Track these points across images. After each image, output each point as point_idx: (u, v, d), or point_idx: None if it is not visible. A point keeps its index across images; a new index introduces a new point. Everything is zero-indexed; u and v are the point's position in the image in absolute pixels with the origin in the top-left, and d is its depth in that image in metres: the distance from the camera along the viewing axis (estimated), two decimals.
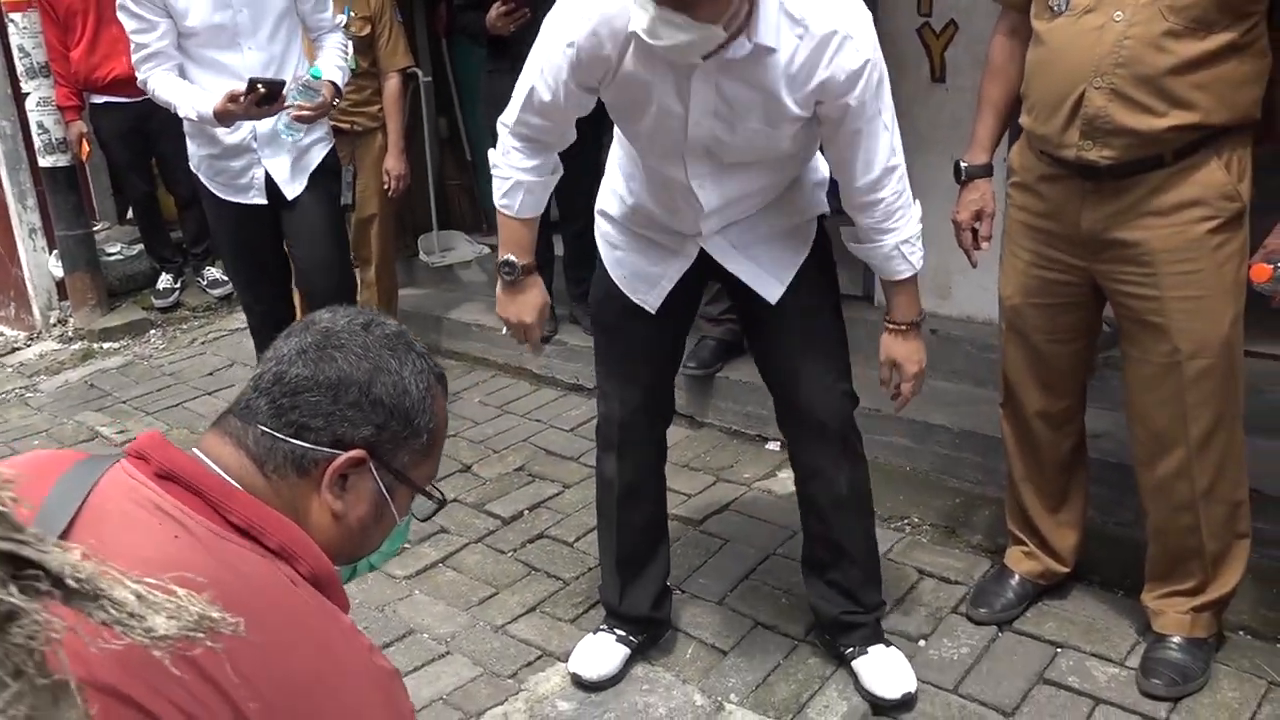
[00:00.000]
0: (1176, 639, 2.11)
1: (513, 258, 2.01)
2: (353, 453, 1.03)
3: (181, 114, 2.83)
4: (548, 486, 3.12)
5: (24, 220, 4.86)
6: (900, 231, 1.92)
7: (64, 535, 0.89)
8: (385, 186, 3.83)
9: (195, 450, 1.02)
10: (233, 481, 0.99)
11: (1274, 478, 2.49)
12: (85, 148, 4.61)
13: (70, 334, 4.84)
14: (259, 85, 2.68)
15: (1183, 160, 1.84)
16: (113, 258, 5.02)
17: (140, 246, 5.09)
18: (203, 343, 4.70)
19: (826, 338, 2.10)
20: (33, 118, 4.55)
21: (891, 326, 2.04)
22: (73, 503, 0.92)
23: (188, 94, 2.80)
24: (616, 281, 2.10)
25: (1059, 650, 2.23)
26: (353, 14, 3.59)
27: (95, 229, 4.99)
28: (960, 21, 3.01)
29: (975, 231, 2.18)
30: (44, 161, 4.62)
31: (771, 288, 2.02)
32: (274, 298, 3.23)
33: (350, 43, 3.20)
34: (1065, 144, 1.88)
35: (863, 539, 2.19)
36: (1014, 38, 2.02)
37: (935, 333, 3.20)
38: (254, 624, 0.80)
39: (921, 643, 2.30)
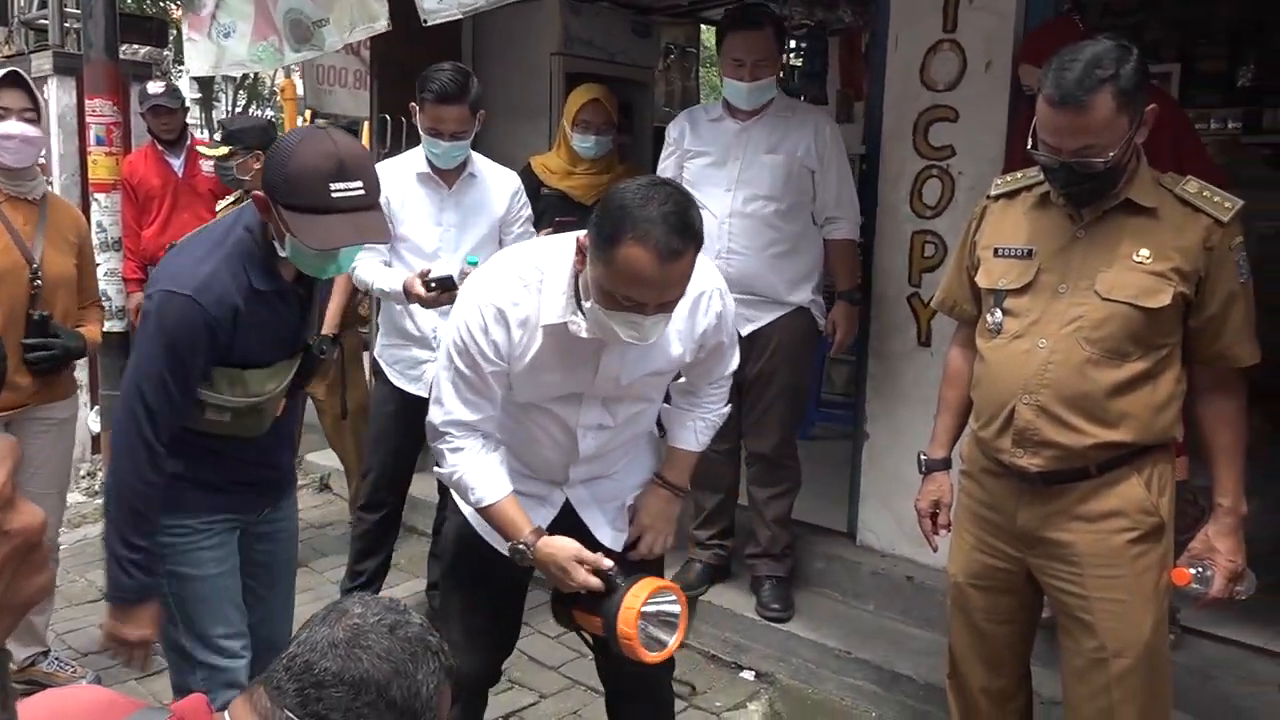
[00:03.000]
0: None
1: (519, 539, 1.95)
2: None
3: (375, 289, 3.18)
4: (524, 695, 3.20)
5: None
6: (707, 416, 2.20)
7: None
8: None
9: (229, 717, 1.18)
10: None
11: None
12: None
13: (98, 488, 5.05)
14: (431, 283, 3.03)
15: (1106, 473, 2.02)
16: None
17: None
18: None
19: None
20: (100, 287, 4.92)
21: (659, 483, 2.19)
22: None
23: (385, 275, 3.16)
24: (480, 533, 2.11)
25: None
26: None
27: None
28: None
29: (935, 518, 2.35)
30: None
31: (610, 536, 2.15)
32: (403, 473, 3.51)
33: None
34: (1001, 449, 2.07)
35: None
36: (967, 348, 2.24)
37: (911, 580, 3.33)
38: None
39: None
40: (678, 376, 2.17)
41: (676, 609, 1.91)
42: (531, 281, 1.90)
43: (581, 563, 1.91)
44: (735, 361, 2.19)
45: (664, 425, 2.24)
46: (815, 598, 3.50)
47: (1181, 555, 2.05)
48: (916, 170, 3.30)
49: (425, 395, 3.32)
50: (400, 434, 3.43)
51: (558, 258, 1.91)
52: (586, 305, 1.82)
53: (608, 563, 1.92)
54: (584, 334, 1.86)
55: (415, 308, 3.19)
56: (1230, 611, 2.97)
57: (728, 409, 2.24)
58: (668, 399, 2.23)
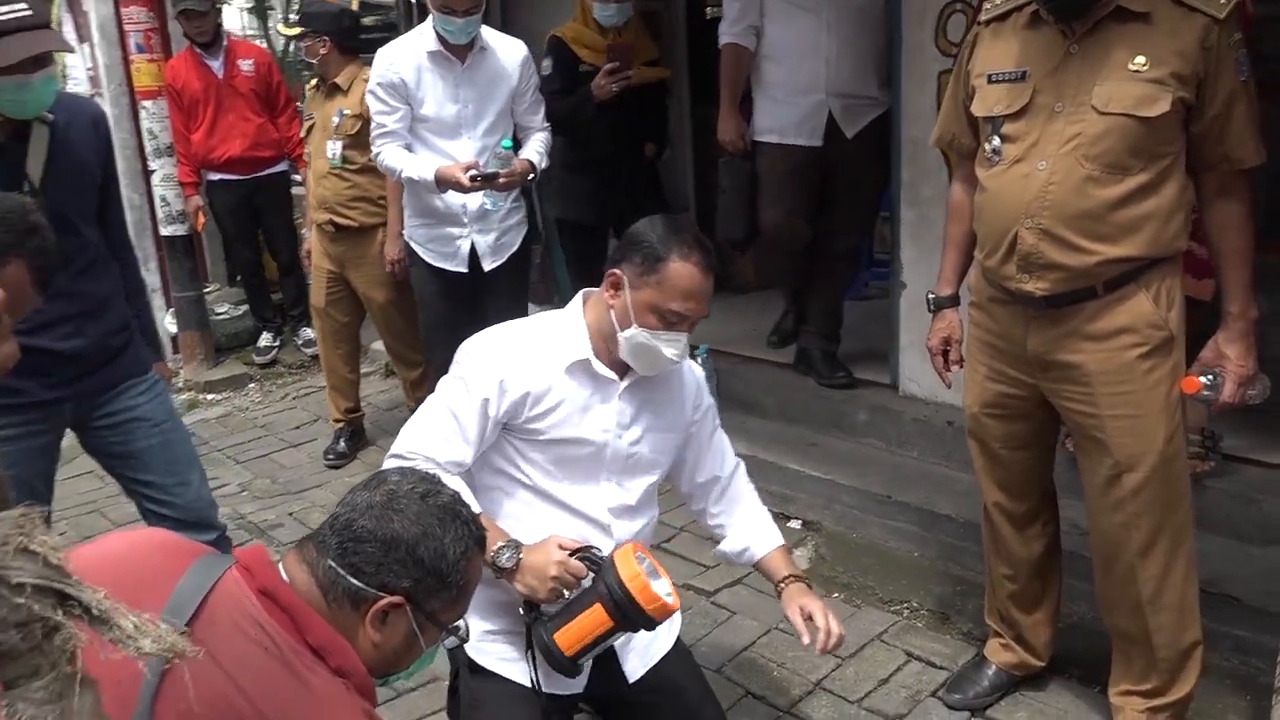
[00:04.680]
0: None
1: (500, 544, 1.82)
2: (393, 598, 1.32)
3: (404, 176, 3.30)
4: None
5: (146, 282, 5.40)
6: (763, 510, 2.16)
7: (189, 624, 1.23)
8: (390, 273, 3.95)
9: (281, 568, 1.34)
10: (310, 607, 1.30)
11: (1257, 586, 2.57)
12: (200, 219, 5.14)
13: (180, 385, 5.33)
14: (478, 176, 3.15)
15: (1112, 292, 2.00)
16: (220, 317, 5.54)
17: (245, 307, 5.59)
18: (294, 398, 5.13)
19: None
20: (157, 192, 5.10)
21: (788, 582, 2.04)
22: (196, 597, 1.26)
23: (413, 162, 3.27)
24: (499, 671, 1.98)
25: None
26: (346, 113, 3.93)
27: (206, 291, 5.51)
28: None
29: (946, 355, 2.36)
30: (165, 230, 5.16)
31: (636, 668, 2.04)
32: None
33: (547, 140, 3.48)
34: (1006, 276, 2.06)
35: None
36: (968, 183, 2.21)
37: (951, 424, 3.35)
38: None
39: None
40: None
41: (648, 560, 1.84)
42: (539, 339, 1.95)
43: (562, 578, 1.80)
44: (731, 449, 2.18)
45: (739, 544, 2.13)
46: (859, 448, 3.56)
47: (1193, 365, 2.04)
48: (940, 6, 3.18)
49: (464, 270, 3.42)
50: (450, 312, 3.51)
51: (556, 318, 2.01)
52: (626, 334, 1.88)
53: (582, 541, 1.86)
54: (605, 372, 1.92)
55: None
56: (1274, 436, 2.97)
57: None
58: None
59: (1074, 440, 2.19)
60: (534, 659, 1.88)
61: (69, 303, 2.22)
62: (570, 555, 1.80)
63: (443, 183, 3.22)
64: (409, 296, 4.13)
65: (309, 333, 5.47)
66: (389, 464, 1.87)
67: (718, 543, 2.20)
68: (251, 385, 5.31)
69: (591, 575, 1.80)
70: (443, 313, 3.54)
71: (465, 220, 3.38)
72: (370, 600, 1.32)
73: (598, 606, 1.76)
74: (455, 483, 1.82)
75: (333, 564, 1.33)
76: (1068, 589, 2.60)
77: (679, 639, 2.18)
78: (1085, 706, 2.43)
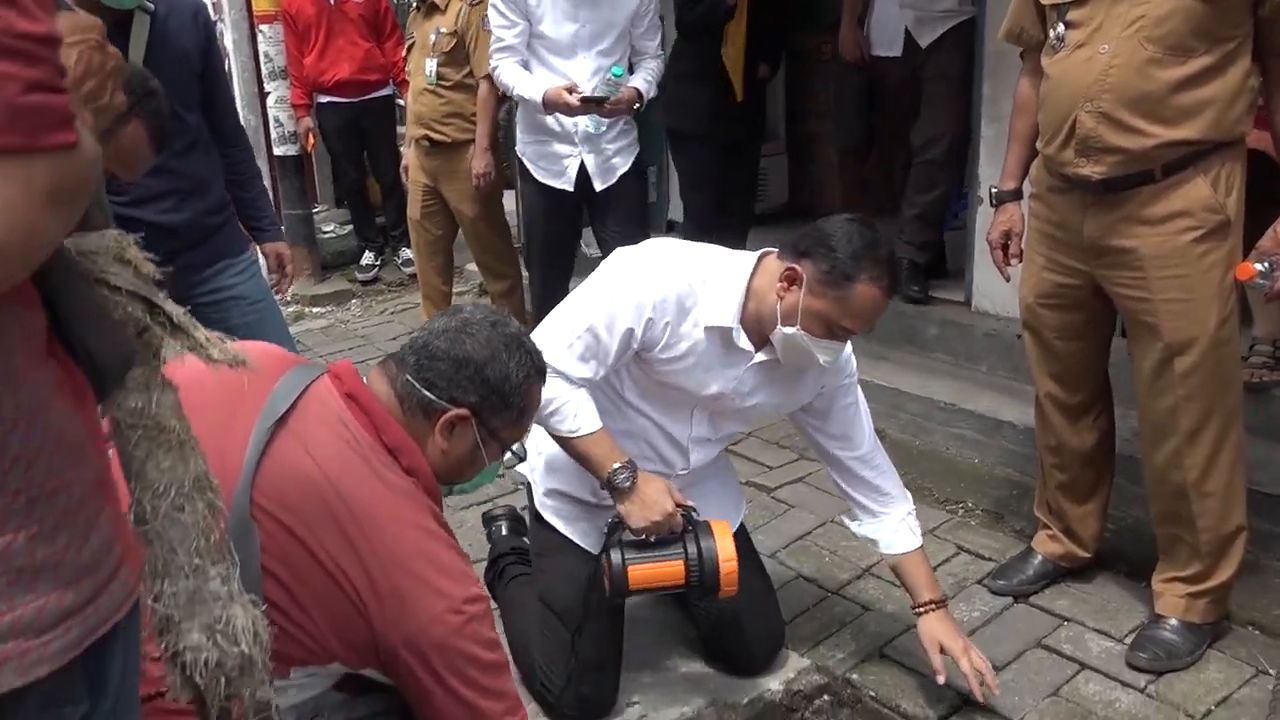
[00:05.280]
0: (1173, 620, 2.26)
1: (618, 464, 1.90)
2: (460, 410, 1.50)
3: (515, 94, 3.43)
4: None
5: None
6: (901, 504, 2.16)
7: (282, 420, 1.43)
8: (476, 186, 4.10)
9: (367, 379, 1.53)
10: (388, 412, 1.48)
11: None
12: (311, 140, 5.42)
13: (288, 299, 5.64)
14: (585, 99, 3.27)
15: (1170, 176, 2.03)
16: (327, 236, 5.84)
17: (350, 227, 5.88)
18: (392, 313, 5.39)
19: (764, 586, 2.28)
20: (271, 113, 5.39)
21: (928, 610, 2.08)
22: (292, 395, 1.47)
23: (525, 81, 3.38)
24: (559, 528, 2.15)
25: (1064, 623, 2.42)
26: (443, 31, 4.06)
27: (314, 211, 5.81)
28: None
29: (1006, 249, 2.41)
30: (278, 150, 5.46)
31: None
32: (556, 280, 3.67)
33: (659, 69, 3.56)
34: (1065, 161, 2.10)
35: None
36: (1034, 76, 2.25)
37: (1020, 337, 3.36)
38: (385, 513, 1.39)
39: None
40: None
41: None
42: (698, 275, 1.94)
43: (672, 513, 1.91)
44: (872, 426, 2.19)
45: (878, 543, 2.17)
46: (928, 361, 3.61)
47: (1250, 253, 2.05)
48: None
49: (570, 189, 3.52)
50: (553, 231, 3.63)
51: (725, 265, 1.97)
52: (787, 331, 1.88)
53: (684, 500, 1.95)
54: (745, 345, 1.94)
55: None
56: None
57: (909, 502, 2.20)
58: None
59: (1126, 328, 2.22)
60: (600, 569, 1.94)
61: (170, 179, 2.42)
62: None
63: (550, 105, 3.31)
64: (498, 211, 4.31)
65: (408, 252, 5.70)
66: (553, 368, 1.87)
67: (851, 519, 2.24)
68: (354, 301, 5.60)
69: (685, 531, 1.90)
70: (546, 231, 3.64)
71: (575, 140, 3.46)
72: (440, 411, 1.49)
73: (680, 564, 1.88)
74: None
75: (409, 378, 1.50)
76: (1122, 491, 2.64)
77: (741, 523, 2.31)
78: (1129, 598, 2.48)
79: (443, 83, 4.11)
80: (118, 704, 0.84)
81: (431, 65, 4.12)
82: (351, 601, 1.38)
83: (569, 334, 1.92)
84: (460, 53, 4.09)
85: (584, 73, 3.36)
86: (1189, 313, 2.06)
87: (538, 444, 2.17)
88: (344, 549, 1.38)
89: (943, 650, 2.07)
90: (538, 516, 2.24)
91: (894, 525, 2.16)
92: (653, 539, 1.92)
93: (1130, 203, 2.07)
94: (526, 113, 3.56)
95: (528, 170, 3.59)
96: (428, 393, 1.49)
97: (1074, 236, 2.18)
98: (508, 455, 1.66)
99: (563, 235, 3.66)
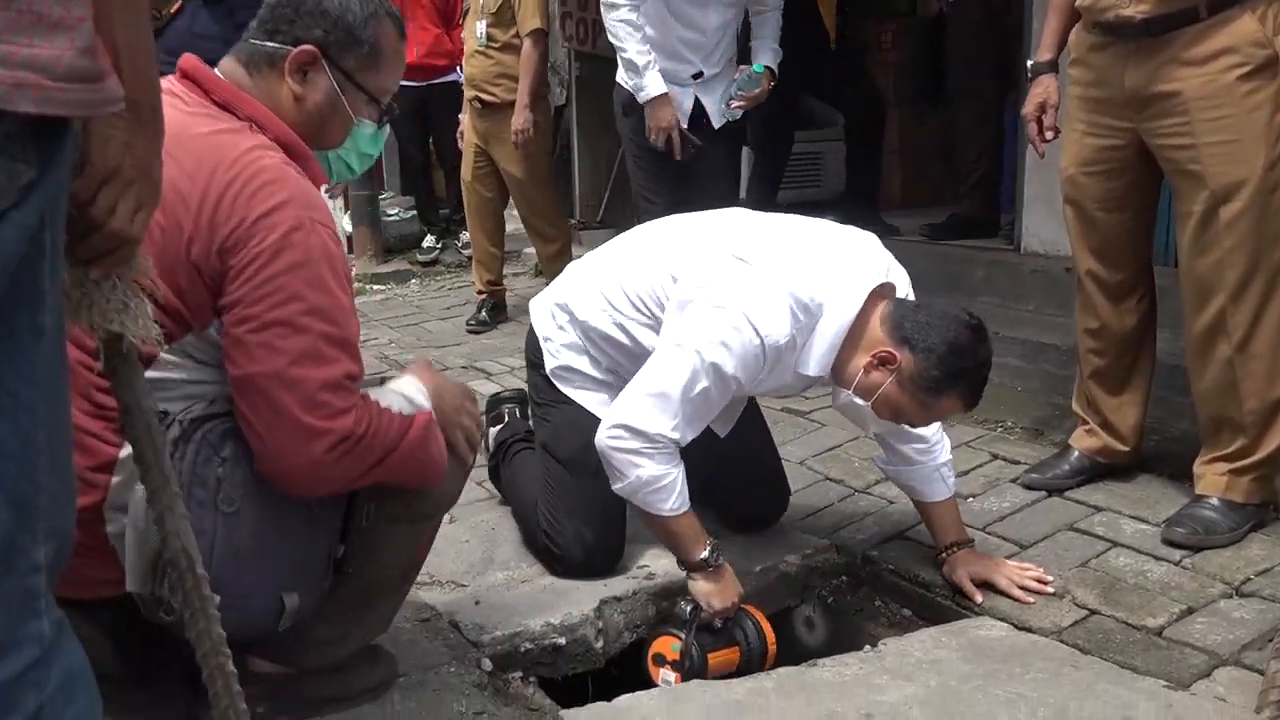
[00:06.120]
0: (1213, 499, 2.14)
1: (706, 552, 1.92)
2: (305, 47, 1.48)
3: (624, 59, 3.24)
4: None
5: None
6: (940, 455, 2.09)
7: None
8: (515, 144, 4.14)
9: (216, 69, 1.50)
10: (224, 79, 1.47)
11: None
12: None
13: (354, 278, 5.78)
14: (690, 145, 3.25)
15: (1215, 14, 1.97)
16: (391, 219, 5.98)
17: (414, 212, 6.02)
18: (449, 289, 5.48)
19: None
20: None
21: (952, 552, 2.06)
22: None
23: (642, 65, 3.19)
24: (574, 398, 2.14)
25: (1098, 512, 2.31)
26: None
27: (381, 196, 5.97)
28: None
29: (1040, 123, 2.36)
30: None
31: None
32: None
33: (779, 23, 3.40)
34: (1106, 6, 2.06)
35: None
36: None
37: (1069, 271, 3.27)
38: (211, 151, 1.35)
39: (970, 500, 2.44)
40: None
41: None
42: (805, 323, 1.86)
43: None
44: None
45: (910, 488, 2.15)
46: (975, 303, 3.51)
47: None
48: None
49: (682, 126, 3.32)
50: (661, 175, 3.41)
51: (837, 302, 1.86)
52: (857, 402, 1.87)
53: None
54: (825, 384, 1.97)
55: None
56: None
57: (948, 441, 2.14)
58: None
59: (1172, 188, 2.15)
60: (687, 651, 1.93)
61: None
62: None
63: (654, 116, 3.20)
64: (544, 173, 4.38)
65: (468, 236, 5.84)
66: (644, 444, 1.85)
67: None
68: (413, 280, 5.71)
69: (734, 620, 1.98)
70: (653, 174, 3.41)
71: (690, 82, 3.34)
72: (285, 55, 1.47)
73: (737, 650, 1.97)
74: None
75: (252, 40, 1.49)
76: (1168, 404, 2.53)
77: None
78: (1169, 492, 2.35)
79: (492, 44, 4.22)
80: (55, 215, 0.83)
81: (481, 27, 4.25)
82: (177, 219, 1.33)
83: (672, 402, 1.84)
84: (507, 13, 4.21)
85: (713, 25, 3.26)
86: (1235, 155, 1.99)
87: (548, 336, 2.19)
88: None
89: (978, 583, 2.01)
90: (546, 379, 2.22)
91: (927, 474, 2.09)
92: (718, 624, 1.95)
93: (1173, 44, 2.02)
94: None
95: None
96: (269, 42, 1.48)
97: (1115, 92, 2.13)
98: (376, 112, 1.56)
99: (670, 179, 3.38)
